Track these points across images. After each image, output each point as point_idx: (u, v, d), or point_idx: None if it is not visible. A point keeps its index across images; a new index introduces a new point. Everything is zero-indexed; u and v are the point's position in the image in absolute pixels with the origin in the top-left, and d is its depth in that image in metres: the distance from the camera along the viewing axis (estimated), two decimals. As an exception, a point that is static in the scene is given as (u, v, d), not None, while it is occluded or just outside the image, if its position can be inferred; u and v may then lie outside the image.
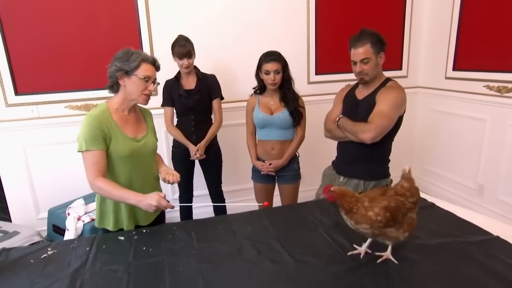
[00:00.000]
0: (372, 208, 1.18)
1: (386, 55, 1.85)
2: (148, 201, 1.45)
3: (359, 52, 1.80)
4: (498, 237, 1.38)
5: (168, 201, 1.49)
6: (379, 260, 1.27)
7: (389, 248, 1.28)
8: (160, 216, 1.79)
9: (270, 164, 2.31)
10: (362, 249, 1.32)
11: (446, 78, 3.27)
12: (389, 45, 1.87)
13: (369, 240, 1.32)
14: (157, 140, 1.78)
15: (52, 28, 2.64)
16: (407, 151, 3.72)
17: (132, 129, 1.62)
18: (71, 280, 1.23)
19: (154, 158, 1.74)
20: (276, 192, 2.46)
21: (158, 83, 1.64)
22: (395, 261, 1.26)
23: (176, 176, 1.65)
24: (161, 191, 1.78)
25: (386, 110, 1.76)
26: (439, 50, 3.32)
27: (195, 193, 2.80)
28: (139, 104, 1.67)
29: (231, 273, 1.26)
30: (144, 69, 1.53)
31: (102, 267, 1.31)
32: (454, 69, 3.17)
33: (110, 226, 1.65)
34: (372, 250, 1.32)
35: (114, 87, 1.58)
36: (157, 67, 1.60)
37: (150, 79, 1.55)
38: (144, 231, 1.58)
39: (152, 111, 2.76)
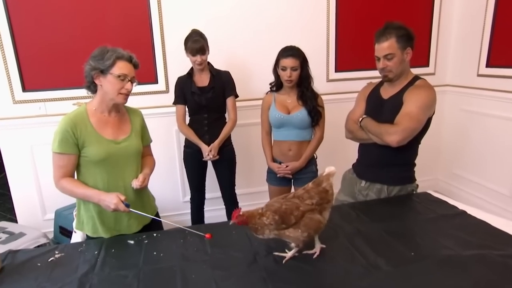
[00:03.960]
0: (265, 214, 1.29)
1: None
2: (107, 202, 1.51)
3: (383, 47, 1.77)
4: (538, 250, 1.34)
5: (128, 205, 1.53)
6: (284, 260, 1.35)
7: (293, 249, 1.36)
8: (151, 225, 1.78)
9: (287, 166, 2.30)
10: (290, 254, 1.37)
11: (479, 75, 3.19)
12: (415, 39, 1.84)
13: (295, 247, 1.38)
14: (149, 141, 1.82)
15: (60, 24, 2.69)
16: (434, 154, 3.66)
17: (112, 131, 1.63)
18: (79, 285, 1.25)
19: (137, 161, 1.72)
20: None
21: (138, 83, 1.63)
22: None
23: (139, 181, 1.63)
24: (152, 197, 1.84)
25: (414, 111, 1.72)
26: (471, 44, 3.24)
27: (207, 195, 2.81)
28: (126, 105, 1.69)
29: (246, 281, 1.25)
30: (120, 67, 1.53)
31: (111, 272, 1.32)
32: (487, 65, 3.10)
33: (89, 232, 1.68)
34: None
35: (91, 87, 1.61)
36: (134, 65, 1.59)
37: (127, 78, 1.55)
38: (155, 235, 1.59)
39: (163, 109, 2.89)
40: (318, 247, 1.38)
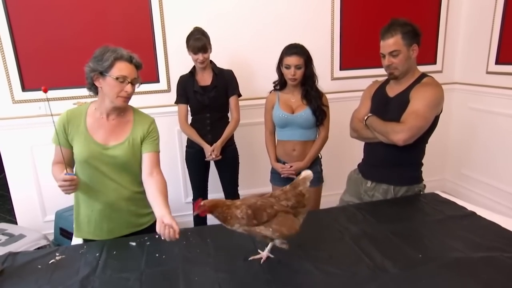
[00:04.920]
0: (239, 207, 1.28)
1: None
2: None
3: (388, 43, 1.77)
4: (549, 252, 1.33)
5: (71, 173, 1.48)
6: (262, 261, 1.36)
7: (268, 247, 1.37)
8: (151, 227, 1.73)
9: (291, 167, 2.30)
10: (264, 253, 1.37)
11: (488, 72, 3.18)
12: (422, 36, 1.83)
13: (270, 245, 1.37)
14: (152, 149, 1.63)
15: (60, 21, 2.70)
16: (442, 154, 3.64)
17: (104, 135, 1.59)
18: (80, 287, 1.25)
19: (127, 172, 1.64)
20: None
21: (140, 83, 1.58)
22: (272, 256, 1.37)
23: (174, 233, 1.34)
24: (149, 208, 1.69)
25: (421, 109, 1.72)
26: (480, 41, 3.23)
27: (210, 196, 2.82)
28: (139, 110, 1.68)
29: (250, 283, 1.25)
30: (119, 69, 1.48)
31: (113, 275, 1.33)
32: (497, 62, 3.08)
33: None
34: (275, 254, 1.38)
35: (93, 89, 1.59)
36: (136, 65, 1.53)
37: (126, 79, 1.49)
38: (157, 236, 1.59)
39: (165, 109, 2.90)
40: (265, 253, 1.36)
